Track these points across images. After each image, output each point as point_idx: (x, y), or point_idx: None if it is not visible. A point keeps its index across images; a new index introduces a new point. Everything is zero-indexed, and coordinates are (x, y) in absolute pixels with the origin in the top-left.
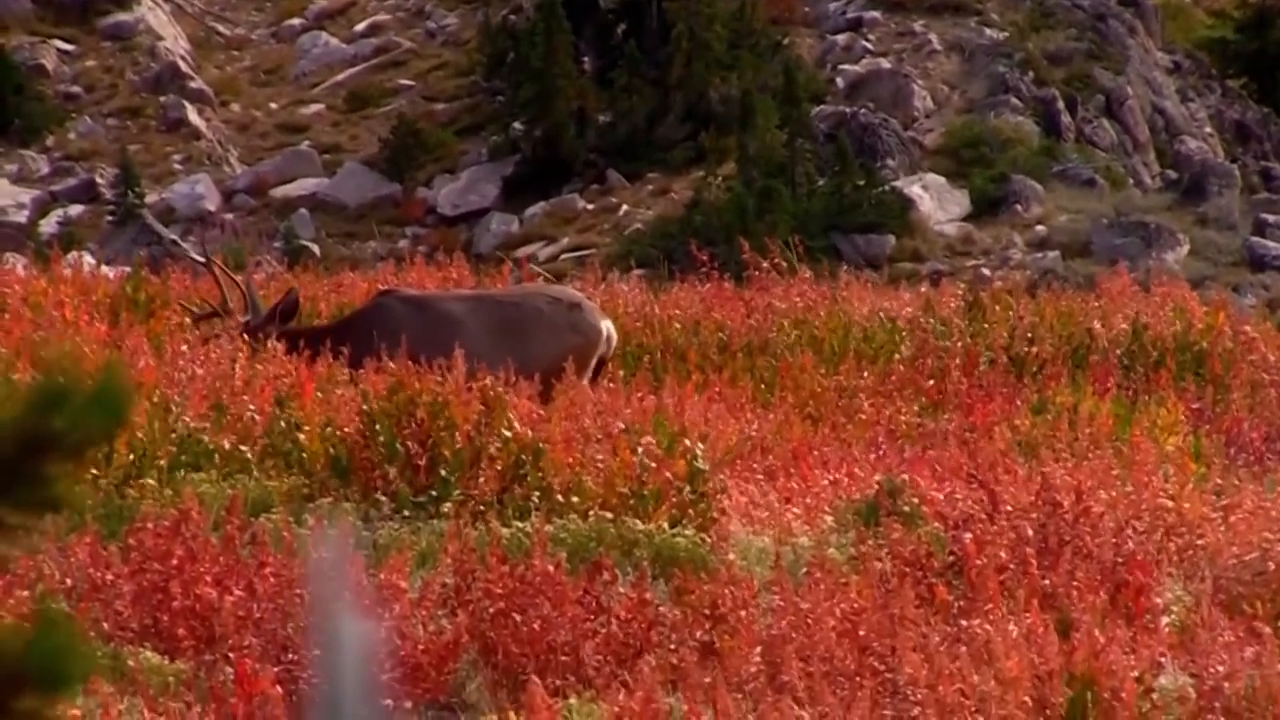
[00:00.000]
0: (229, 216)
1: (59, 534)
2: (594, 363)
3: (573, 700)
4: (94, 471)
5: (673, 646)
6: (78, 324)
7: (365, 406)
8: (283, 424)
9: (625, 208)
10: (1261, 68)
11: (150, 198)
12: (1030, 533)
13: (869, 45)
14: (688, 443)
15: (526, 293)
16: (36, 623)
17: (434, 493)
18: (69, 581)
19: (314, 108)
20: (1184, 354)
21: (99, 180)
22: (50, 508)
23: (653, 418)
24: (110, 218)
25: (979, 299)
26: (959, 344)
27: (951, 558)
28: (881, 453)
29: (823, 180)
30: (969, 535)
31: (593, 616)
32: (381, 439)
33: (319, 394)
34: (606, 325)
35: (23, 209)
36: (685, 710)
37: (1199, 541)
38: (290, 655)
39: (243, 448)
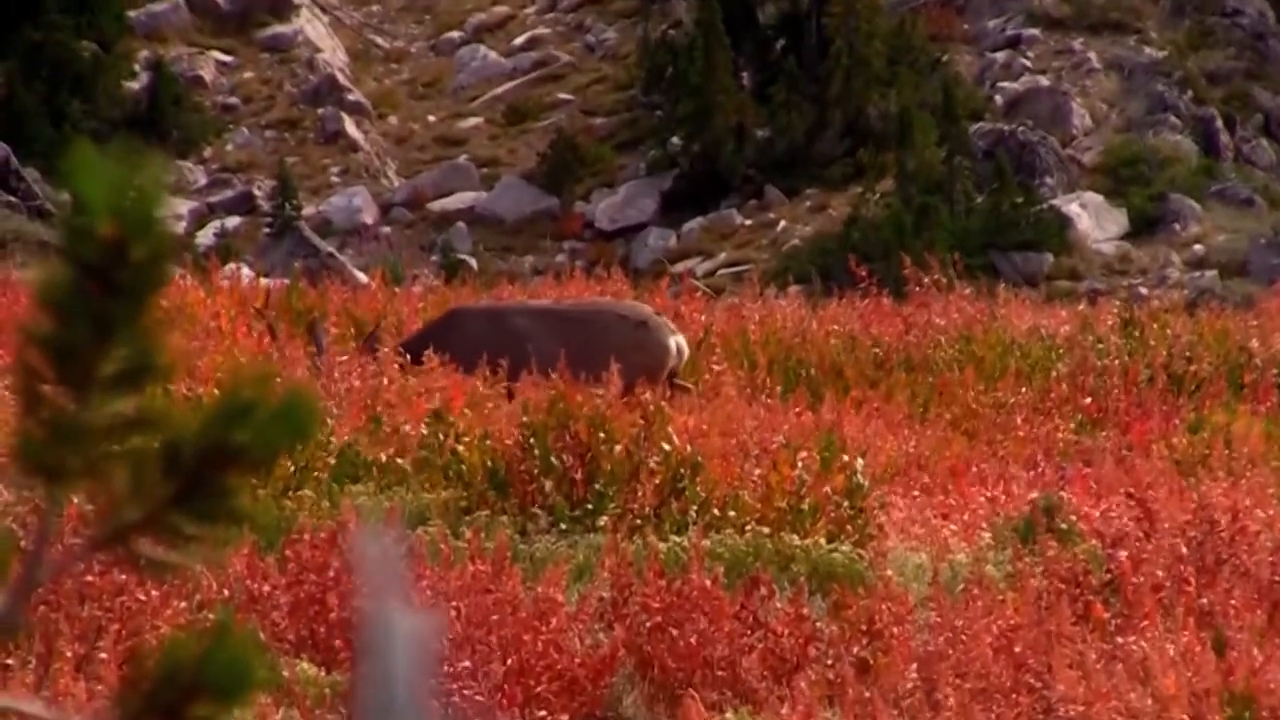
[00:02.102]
0: (386, 229)
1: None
2: (664, 376)
3: (729, 715)
4: (253, 482)
5: (829, 662)
6: (234, 335)
7: (524, 419)
8: (441, 436)
9: (783, 224)
10: None
11: (307, 210)
12: (1186, 551)
13: (1028, 63)
14: (846, 458)
15: (596, 309)
16: (212, 632)
17: (591, 506)
18: (226, 592)
19: (472, 121)
20: None
21: (256, 192)
22: (229, 520)
23: (811, 433)
24: (267, 230)
25: (1136, 317)
26: (1116, 362)
27: (1108, 575)
28: (1039, 470)
29: (980, 198)
30: (1125, 553)
31: (750, 631)
32: (539, 452)
33: (466, 411)
34: (675, 341)
35: (180, 220)
36: None
37: None
38: (446, 667)
39: (400, 460)
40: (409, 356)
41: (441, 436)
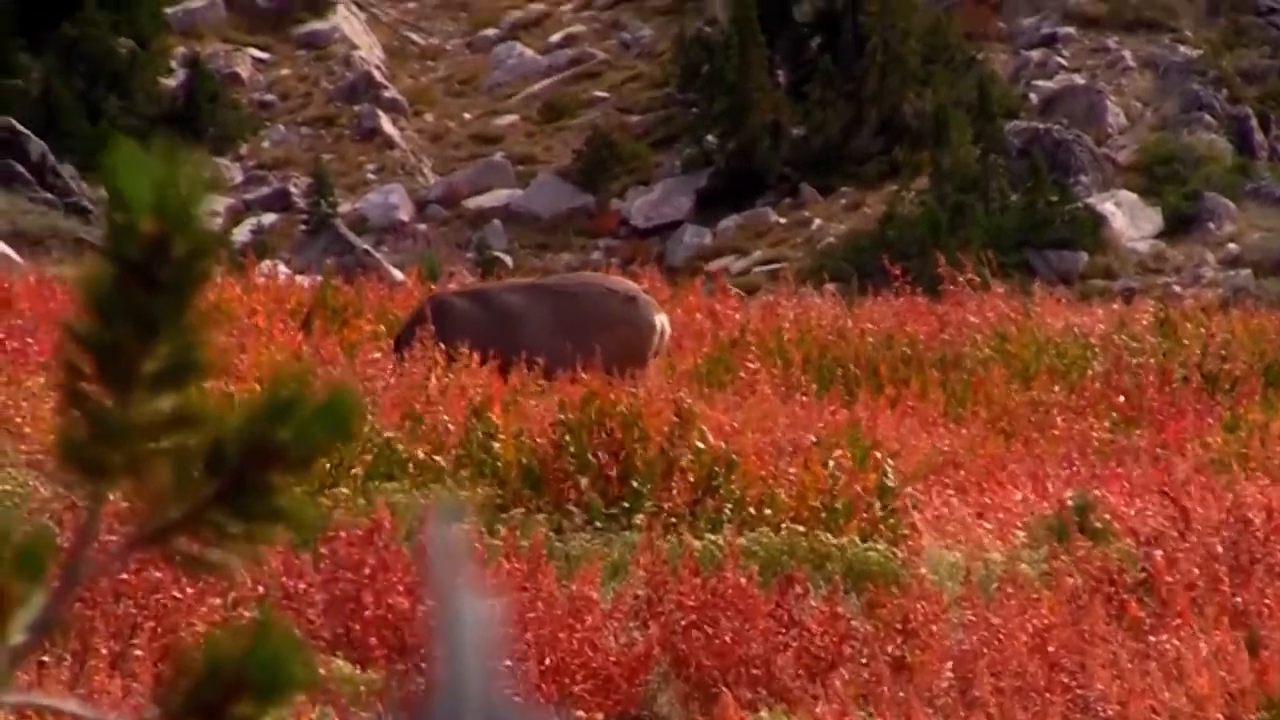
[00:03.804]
0: (422, 227)
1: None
2: (650, 354)
3: (764, 713)
4: (297, 495)
5: (864, 661)
6: (271, 332)
7: (560, 416)
8: (478, 434)
9: (818, 221)
10: None
11: (343, 207)
12: (1221, 550)
13: (1063, 61)
14: (880, 456)
15: (583, 283)
16: (255, 629)
17: (626, 504)
18: (261, 589)
19: (508, 118)
20: None
21: (292, 189)
22: (273, 519)
23: (845, 431)
24: (303, 226)
25: (1171, 316)
26: (1151, 361)
27: (1142, 574)
28: (1074, 468)
29: (1015, 196)
30: (1159, 552)
31: (784, 630)
32: (574, 450)
33: (509, 405)
34: (660, 319)
35: (216, 217)
36: None
37: None
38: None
39: (436, 457)
40: (396, 351)
41: (479, 434)
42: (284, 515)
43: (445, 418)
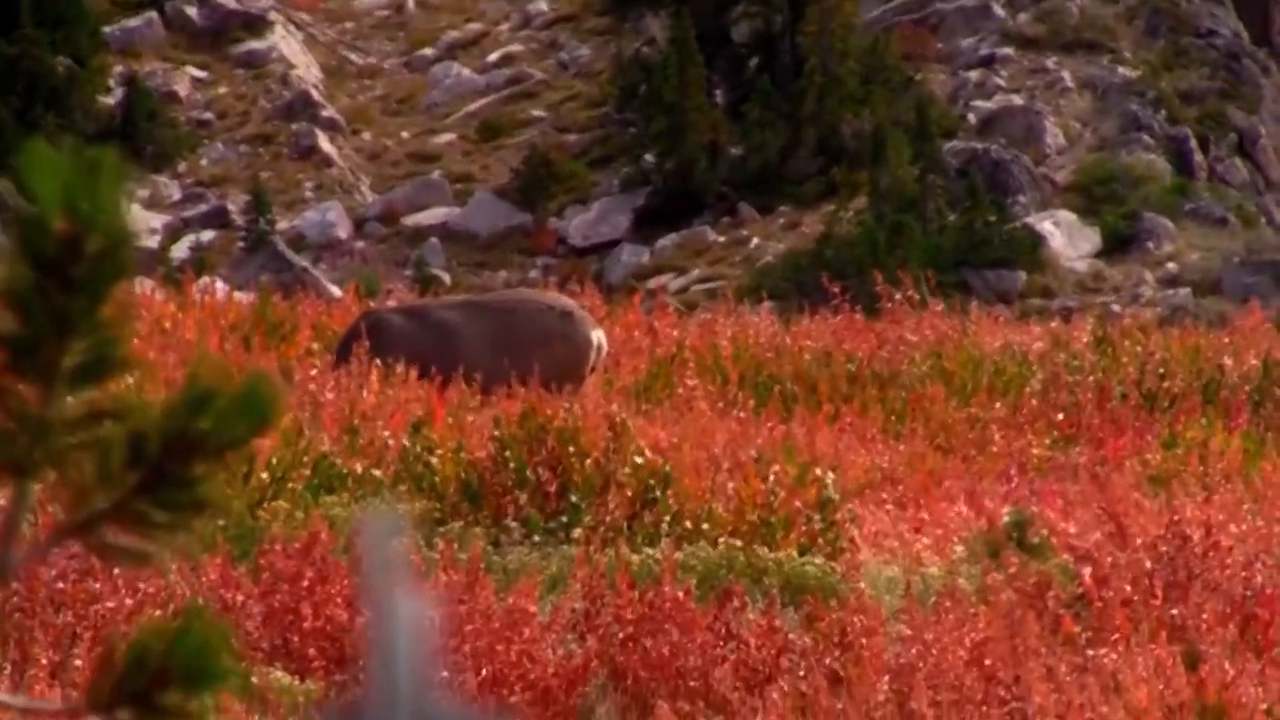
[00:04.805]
0: (360, 244)
1: (190, 552)
2: (586, 370)
3: None
4: (228, 491)
5: (802, 673)
6: (207, 347)
7: (497, 432)
8: (416, 448)
9: (756, 240)
10: None
11: (281, 224)
12: (1156, 565)
13: (1001, 82)
14: (818, 472)
15: (519, 299)
16: (181, 620)
17: (564, 518)
18: (200, 601)
19: (446, 137)
20: None
21: (230, 206)
22: (196, 509)
23: (783, 446)
24: (241, 244)
25: (1109, 334)
26: (1090, 378)
27: (1079, 590)
28: (1012, 484)
29: (954, 215)
30: (1088, 569)
31: (722, 643)
32: (512, 464)
33: (449, 419)
34: (597, 335)
35: (154, 234)
36: None
37: None
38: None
39: (375, 471)
40: (334, 366)
41: (417, 448)
42: (207, 505)
43: (385, 433)
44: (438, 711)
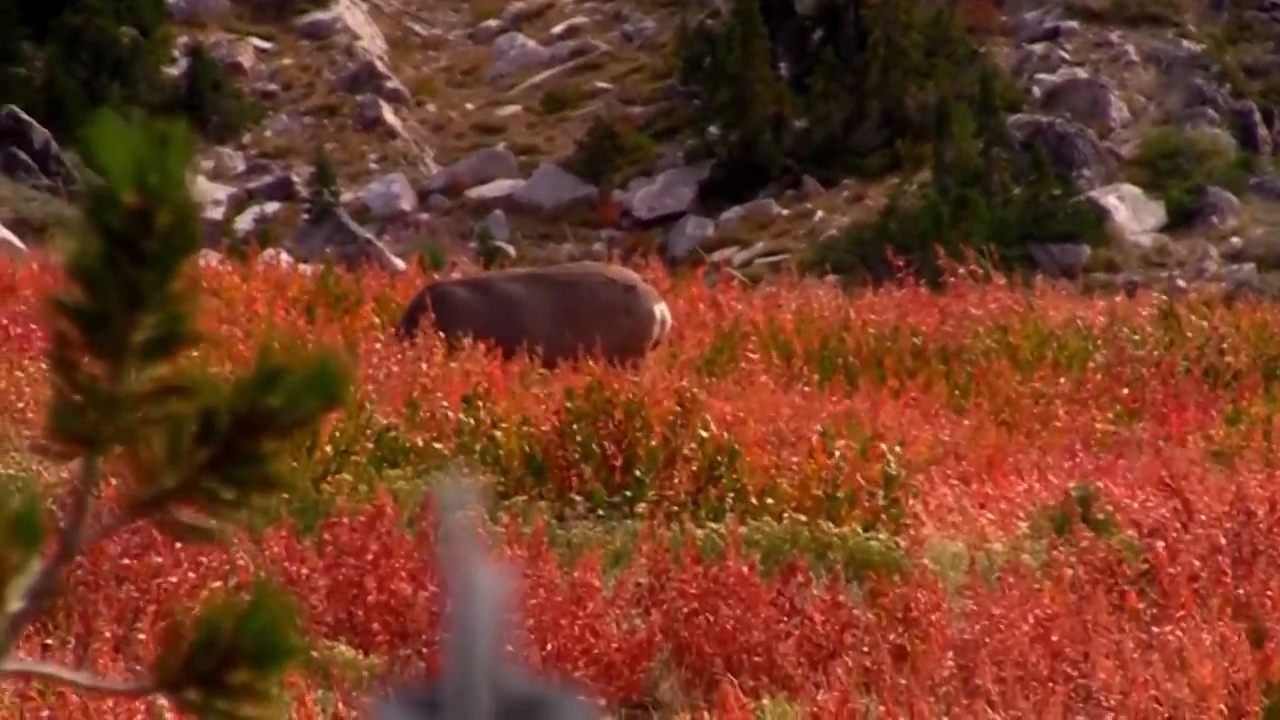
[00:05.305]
0: (424, 216)
1: (255, 528)
2: (649, 344)
3: (765, 701)
4: (293, 465)
5: (866, 649)
6: (272, 319)
7: (567, 404)
8: (478, 421)
9: (820, 214)
10: None
11: (345, 196)
12: (1224, 542)
13: (1066, 55)
14: (882, 447)
15: (583, 272)
16: (251, 598)
17: (629, 493)
18: (263, 575)
19: (510, 109)
20: None
21: (294, 178)
22: (264, 486)
23: (847, 421)
24: (305, 215)
25: (1174, 309)
26: (1154, 353)
27: (1144, 565)
28: (1076, 460)
29: (1018, 189)
30: (1162, 543)
31: (786, 618)
32: (578, 438)
33: (513, 392)
34: (660, 309)
35: (218, 205)
36: (881, 712)
37: None
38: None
39: (438, 445)
40: (398, 339)
41: (479, 421)
42: (275, 482)
43: (446, 405)
44: (515, 687)
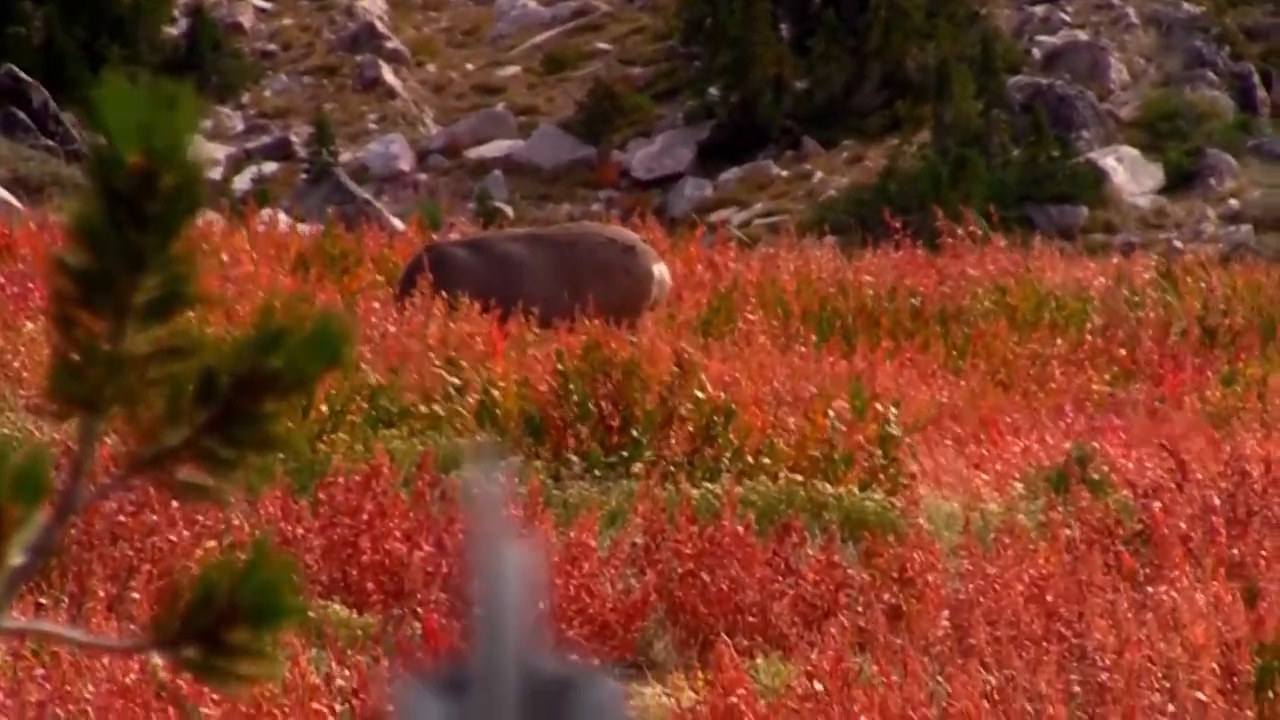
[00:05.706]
0: (423, 176)
1: (253, 488)
2: (648, 304)
3: (760, 660)
4: (289, 424)
5: (860, 609)
6: (279, 284)
7: (560, 366)
8: (470, 382)
9: (819, 175)
10: None
11: (344, 156)
12: (1218, 502)
13: (1066, 17)
14: (879, 407)
15: (582, 232)
16: (249, 557)
17: (625, 453)
18: (258, 534)
19: (510, 70)
20: None
21: (293, 138)
22: (264, 446)
23: (844, 382)
24: (304, 175)
25: (1171, 270)
26: (1151, 314)
27: (1139, 526)
28: (1072, 421)
29: (1017, 151)
30: (1157, 503)
31: (781, 578)
32: (575, 398)
33: (510, 353)
34: (659, 269)
35: (217, 165)
36: (875, 671)
37: None
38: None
39: (434, 405)
40: (397, 299)
41: (472, 381)
42: (275, 442)
43: (442, 366)
44: (544, 667)
